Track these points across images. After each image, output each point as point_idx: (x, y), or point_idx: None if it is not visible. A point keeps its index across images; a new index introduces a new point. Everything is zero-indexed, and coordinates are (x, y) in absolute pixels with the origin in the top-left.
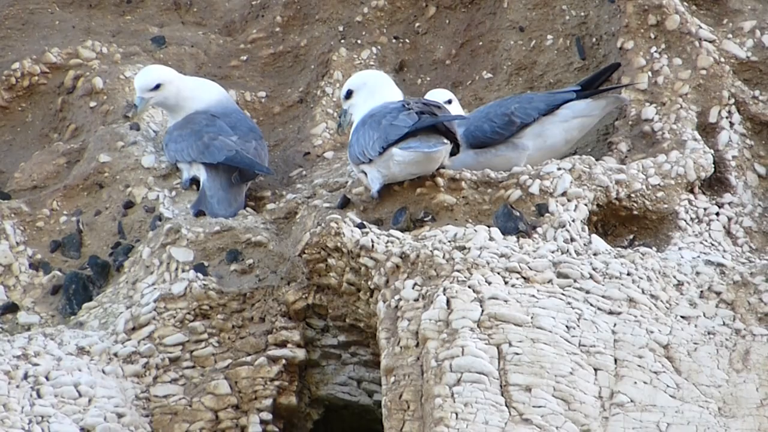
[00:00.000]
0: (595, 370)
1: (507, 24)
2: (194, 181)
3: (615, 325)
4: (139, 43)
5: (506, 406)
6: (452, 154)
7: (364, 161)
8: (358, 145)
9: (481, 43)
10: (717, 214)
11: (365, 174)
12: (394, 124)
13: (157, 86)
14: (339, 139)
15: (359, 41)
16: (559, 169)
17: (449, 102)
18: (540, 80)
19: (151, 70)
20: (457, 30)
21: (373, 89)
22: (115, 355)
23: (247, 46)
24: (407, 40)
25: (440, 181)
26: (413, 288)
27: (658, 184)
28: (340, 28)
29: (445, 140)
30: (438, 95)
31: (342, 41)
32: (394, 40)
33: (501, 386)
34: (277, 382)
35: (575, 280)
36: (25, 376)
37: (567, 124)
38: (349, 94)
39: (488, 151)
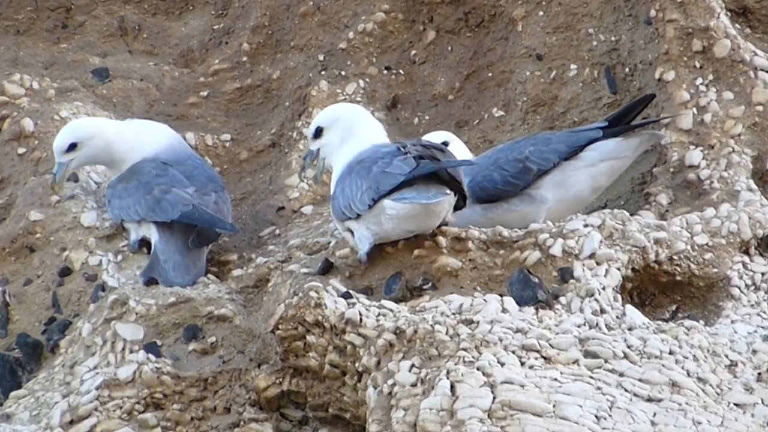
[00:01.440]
0: None
1: (522, 51)
2: (144, 243)
3: (655, 414)
4: (78, 76)
5: None
6: (457, 207)
7: (351, 216)
8: (344, 197)
9: (490, 74)
10: None
11: (351, 232)
12: (387, 171)
13: (72, 146)
14: (319, 190)
15: (343, 72)
16: (585, 225)
17: (445, 144)
18: (562, 119)
19: (66, 128)
20: (462, 58)
21: (349, 126)
22: None
23: (207, 80)
24: (401, 71)
25: (442, 240)
26: (410, 370)
27: (706, 244)
28: (321, 57)
29: (448, 190)
30: (438, 137)
31: (322, 72)
32: (385, 72)
33: None
34: None
35: (606, 361)
36: None
37: (593, 169)
38: (318, 133)
39: (499, 206)
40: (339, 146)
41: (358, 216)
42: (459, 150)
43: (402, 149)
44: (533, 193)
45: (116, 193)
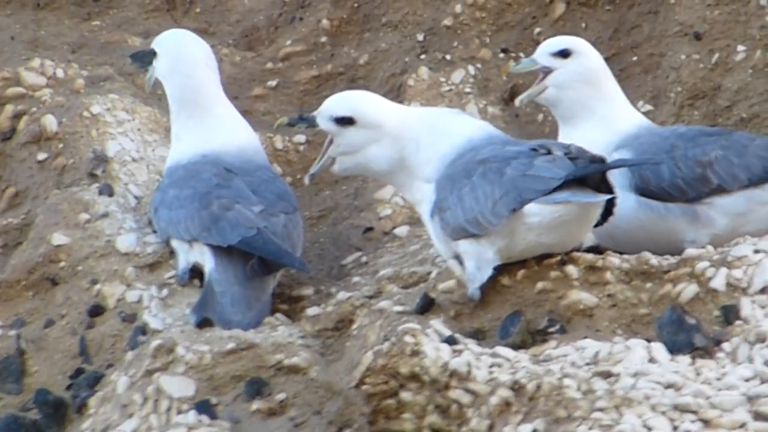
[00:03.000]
0: None
1: (676, 28)
2: (196, 273)
3: None
4: (113, 61)
5: None
6: (600, 222)
7: (476, 233)
8: (464, 208)
9: (636, 58)
10: None
11: (458, 261)
12: (532, 174)
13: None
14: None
15: (448, 56)
16: (757, 251)
17: None
18: (726, 114)
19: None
20: (600, 38)
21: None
22: None
23: (277, 66)
24: (522, 54)
25: (573, 270)
26: None
27: None
28: (420, 37)
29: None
30: None
31: (422, 56)
32: (502, 55)
33: None
34: None
35: None
36: None
37: None
38: (349, 121)
39: (655, 207)
40: (408, 144)
41: (486, 231)
42: None
43: (539, 150)
44: (700, 211)
45: (166, 201)
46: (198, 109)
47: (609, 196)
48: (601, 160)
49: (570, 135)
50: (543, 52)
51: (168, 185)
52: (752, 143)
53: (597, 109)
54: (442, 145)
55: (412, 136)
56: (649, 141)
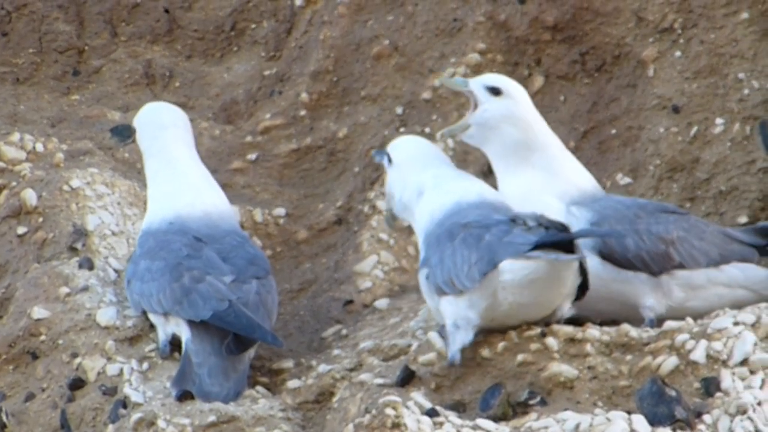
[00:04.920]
0: None
1: (654, 101)
2: (175, 343)
3: None
4: (93, 135)
5: None
6: (578, 297)
7: (450, 293)
8: (443, 269)
9: (614, 131)
10: None
11: (440, 333)
12: (508, 240)
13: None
14: (397, 279)
15: (428, 129)
16: (736, 323)
17: None
18: (705, 187)
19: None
20: (578, 111)
21: (425, 168)
22: None
23: (256, 139)
24: None
25: (553, 342)
26: None
27: None
28: (399, 111)
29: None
30: None
31: (401, 130)
32: None
33: None
34: None
35: None
36: None
37: (728, 291)
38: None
39: (619, 271)
40: (413, 196)
41: (460, 293)
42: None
43: (516, 221)
44: (664, 282)
45: (138, 273)
46: (166, 169)
47: (575, 257)
48: (565, 229)
49: (510, 183)
50: (478, 82)
51: (139, 256)
52: (708, 229)
53: (531, 159)
54: (437, 201)
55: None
56: (611, 206)
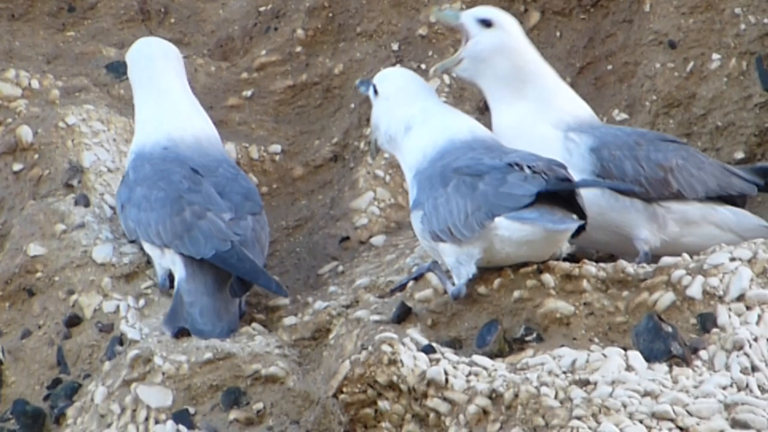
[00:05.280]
0: None
1: (650, 37)
2: (171, 277)
3: None
4: (88, 72)
5: None
6: (575, 234)
7: (447, 240)
8: (438, 218)
9: (610, 67)
10: None
11: (433, 269)
12: (505, 191)
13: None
14: (393, 215)
15: (423, 65)
16: (732, 259)
17: None
18: (701, 122)
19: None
20: (575, 47)
21: (411, 102)
22: None
23: (252, 76)
24: None
25: (550, 279)
26: None
27: None
28: (395, 46)
29: (575, 217)
30: None
31: (397, 66)
32: None
33: None
34: None
35: None
36: None
37: (717, 232)
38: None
39: (621, 198)
40: (400, 130)
41: (459, 241)
42: None
43: (515, 166)
44: (660, 214)
45: (134, 200)
46: (156, 97)
47: (577, 223)
48: (568, 180)
49: (504, 115)
50: (469, 14)
51: (134, 182)
52: (707, 161)
53: (525, 90)
54: (427, 138)
55: (397, 114)
56: (611, 133)
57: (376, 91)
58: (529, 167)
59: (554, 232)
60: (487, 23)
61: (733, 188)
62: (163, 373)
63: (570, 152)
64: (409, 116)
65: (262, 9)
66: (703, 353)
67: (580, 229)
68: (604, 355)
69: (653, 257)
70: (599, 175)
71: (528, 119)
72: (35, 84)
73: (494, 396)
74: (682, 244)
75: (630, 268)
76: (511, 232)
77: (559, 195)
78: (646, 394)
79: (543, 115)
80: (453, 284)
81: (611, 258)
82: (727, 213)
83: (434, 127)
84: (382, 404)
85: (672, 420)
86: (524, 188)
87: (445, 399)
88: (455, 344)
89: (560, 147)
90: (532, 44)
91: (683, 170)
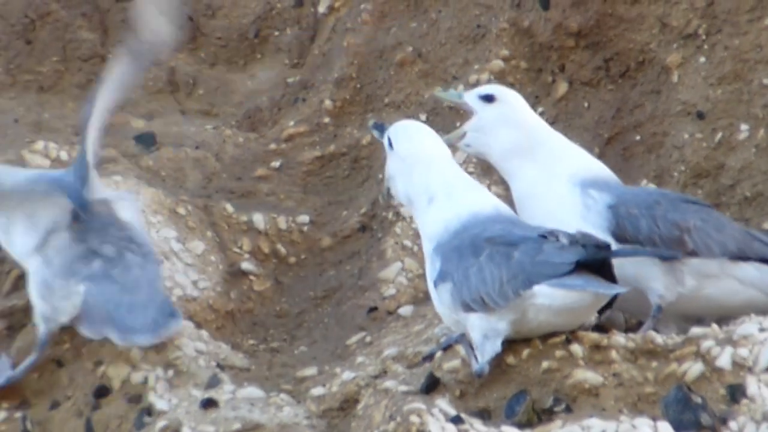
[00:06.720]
0: None
1: (678, 107)
2: None
3: None
4: (117, 143)
5: None
6: (601, 311)
7: (478, 310)
8: (469, 287)
9: (639, 138)
10: None
11: (461, 343)
12: (542, 260)
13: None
14: (421, 286)
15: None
16: (762, 329)
17: None
18: (730, 193)
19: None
20: (603, 117)
21: (430, 169)
22: None
23: (280, 147)
24: None
25: (578, 349)
26: None
27: None
28: (423, 117)
29: (617, 285)
30: None
31: None
32: None
33: None
34: None
35: None
36: None
37: (740, 289)
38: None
39: (633, 248)
40: (422, 200)
41: (491, 310)
42: None
43: (549, 236)
44: (676, 265)
45: None
46: None
47: (624, 288)
48: (607, 247)
49: (518, 183)
50: (472, 93)
51: None
52: (729, 225)
53: (535, 155)
54: (448, 210)
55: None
56: (631, 191)
57: (390, 144)
58: (565, 236)
59: (604, 297)
60: (489, 98)
61: (753, 252)
62: None
63: (588, 208)
64: (431, 187)
65: (290, 80)
66: (732, 424)
67: (612, 300)
68: (633, 426)
69: (675, 313)
70: (614, 232)
71: (543, 179)
72: (64, 155)
73: None
74: (701, 297)
75: (659, 338)
76: (553, 299)
77: (591, 262)
78: None
79: (557, 172)
80: (477, 361)
81: (639, 326)
82: (749, 268)
83: (458, 203)
84: None
85: None
86: (563, 256)
87: None
88: (484, 415)
89: (578, 203)
90: (536, 114)
91: (701, 231)
